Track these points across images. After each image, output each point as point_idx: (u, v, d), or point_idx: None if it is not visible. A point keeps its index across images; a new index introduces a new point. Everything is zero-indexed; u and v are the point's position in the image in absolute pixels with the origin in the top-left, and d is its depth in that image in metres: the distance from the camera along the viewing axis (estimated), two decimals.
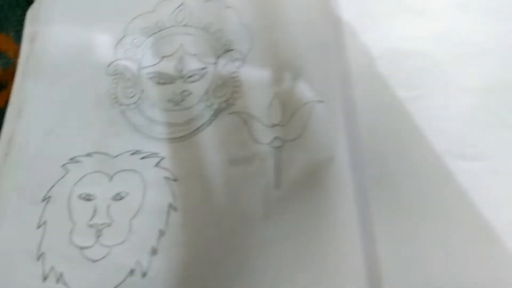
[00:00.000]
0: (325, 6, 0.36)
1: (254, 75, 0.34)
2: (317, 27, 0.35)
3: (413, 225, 0.30)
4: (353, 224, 0.28)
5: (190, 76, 0.35)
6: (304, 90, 0.32)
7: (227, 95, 0.33)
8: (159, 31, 0.37)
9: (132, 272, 0.28)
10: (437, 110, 0.34)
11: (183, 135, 0.33)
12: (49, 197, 0.31)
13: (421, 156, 0.33)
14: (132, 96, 0.34)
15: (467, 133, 0.34)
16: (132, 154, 0.32)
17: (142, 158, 0.32)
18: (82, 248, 0.29)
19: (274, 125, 0.32)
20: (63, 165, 0.32)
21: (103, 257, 0.29)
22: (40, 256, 0.29)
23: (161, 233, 0.29)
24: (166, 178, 0.31)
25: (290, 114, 0.32)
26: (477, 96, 0.35)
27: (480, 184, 0.32)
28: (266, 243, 0.28)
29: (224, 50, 0.35)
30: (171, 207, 0.30)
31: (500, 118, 0.34)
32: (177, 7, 0.37)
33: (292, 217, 0.28)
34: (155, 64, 0.36)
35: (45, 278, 0.28)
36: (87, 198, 0.31)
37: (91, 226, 0.30)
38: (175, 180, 0.31)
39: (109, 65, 0.36)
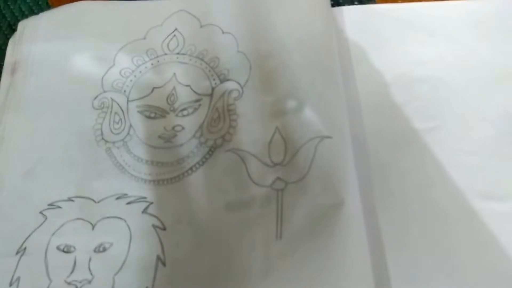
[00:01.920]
0: (329, 30, 0.33)
1: (253, 108, 0.30)
2: (321, 53, 0.32)
3: (434, 274, 0.27)
4: (368, 281, 0.24)
5: (183, 109, 0.31)
6: (309, 124, 0.29)
7: (223, 130, 0.30)
8: (149, 60, 0.34)
9: None
10: (456, 143, 0.31)
11: (174, 176, 0.29)
12: (25, 248, 0.28)
13: (441, 196, 0.29)
14: (120, 132, 0.31)
15: (491, 168, 0.30)
16: (118, 198, 0.29)
17: (128, 203, 0.29)
18: None
19: (276, 164, 0.28)
20: (41, 211, 0.29)
21: None
22: None
23: None
24: (154, 227, 0.28)
25: (293, 152, 0.28)
26: (499, 126, 0.32)
27: (507, 227, 0.28)
28: None
29: (220, 80, 0.32)
30: (160, 260, 0.26)
31: None
32: (170, 34, 0.34)
33: (296, 275, 0.25)
34: (145, 97, 0.32)
35: None
36: (67, 249, 0.27)
37: (69, 283, 0.26)
38: (164, 229, 0.27)
39: (95, 98, 0.33)
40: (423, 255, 0.27)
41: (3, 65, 0.35)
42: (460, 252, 0.28)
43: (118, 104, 0.32)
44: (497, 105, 0.32)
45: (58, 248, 0.27)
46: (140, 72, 0.33)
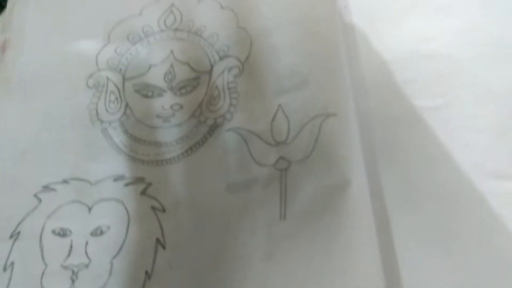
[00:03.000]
0: (332, 6, 0.32)
1: (255, 85, 0.29)
2: (324, 29, 0.31)
3: (443, 257, 0.26)
4: (375, 264, 0.23)
5: (181, 88, 0.30)
6: (313, 101, 0.27)
7: (223, 109, 0.29)
8: (146, 37, 0.32)
9: None
10: (466, 121, 0.30)
11: (173, 157, 0.28)
12: (18, 232, 0.27)
13: (449, 176, 0.28)
14: (116, 112, 0.30)
15: (502, 146, 0.29)
16: (115, 180, 0.28)
17: (126, 184, 0.27)
18: None
19: (279, 143, 0.27)
20: (35, 194, 0.28)
21: None
22: None
23: (147, 275, 0.25)
24: (154, 209, 0.26)
25: (296, 130, 0.27)
26: (510, 102, 0.30)
27: None
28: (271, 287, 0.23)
29: (220, 56, 0.31)
30: (159, 243, 0.25)
31: None
32: (166, 10, 0.33)
33: (301, 256, 0.23)
34: (141, 75, 0.31)
35: None
36: (62, 233, 0.26)
37: (65, 267, 0.25)
38: (163, 210, 0.26)
39: (89, 77, 0.31)
40: (431, 237, 0.26)
41: None
42: (469, 234, 0.27)
43: (114, 83, 0.31)
44: (507, 81, 0.31)
45: (53, 231, 0.26)
46: (136, 49, 0.32)
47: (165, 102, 0.30)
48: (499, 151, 0.29)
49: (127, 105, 0.30)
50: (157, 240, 0.26)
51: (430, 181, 0.28)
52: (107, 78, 0.31)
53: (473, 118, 0.30)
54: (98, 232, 0.26)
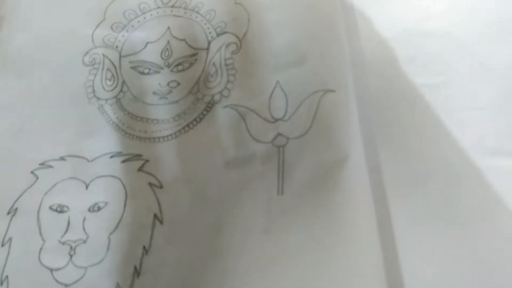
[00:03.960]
0: None
1: (252, 61, 0.29)
2: (323, 6, 0.30)
3: (442, 235, 0.26)
4: (373, 238, 0.23)
5: (178, 65, 0.30)
6: (311, 77, 0.27)
7: (221, 86, 0.29)
8: (142, 14, 0.32)
9: None
10: (465, 98, 0.30)
11: (170, 134, 0.28)
12: (16, 209, 0.27)
13: (447, 153, 0.28)
14: (112, 89, 0.30)
15: (501, 124, 0.29)
16: (112, 156, 0.28)
17: (123, 161, 0.27)
18: (53, 269, 0.25)
19: (277, 120, 0.27)
20: (32, 171, 0.28)
21: (77, 281, 0.24)
22: (3, 280, 0.25)
23: (145, 250, 0.25)
24: (151, 185, 0.26)
25: (294, 106, 0.27)
26: (509, 81, 0.30)
27: None
28: (269, 262, 0.23)
29: (217, 33, 0.30)
30: (157, 219, 0.25)
31: None
32: None
33: (299, 229, 0.24)
34: (138, 52, 0.31)
35: None
36: (60, 209, 0.26)
37: (63, 243, 0.25)
38: (161, 187, 0.26)
39: (85, 54, 0.31)
40: (429, 213, 0.26)
41: None
42: (468, 209, 0.27)
43: (110, 60, 0.31)
44: (506, 60, 0.31)
45: (50, 208, 0.26)
46: (133, 26, 0.32)
47: (162, 79, 0.30)
48: (498, 128, 0.29)
49: (123, 82, 0.30)
50: (155, 215, 0.26)
51: (428, 157, 0.28)
52: (103, 55, 0.31)
53: (472, 96, 0.30)
54: (95, 208, 0.26)
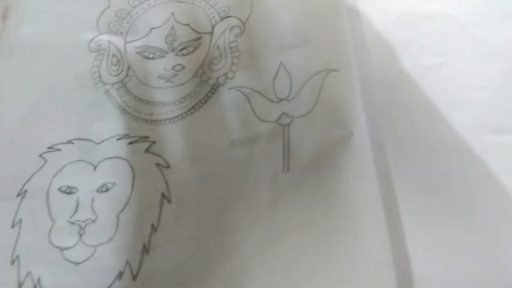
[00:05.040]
0: None
1: (256, 44, 0.29)
2: None
3: (443, 210, 0.26)
4: (377, 211, 0.24)
5: (182, 49, 0.30)
6: (315, 58, 0.27)
7: (225, 68, 0.29)
8: (146, 0, 0.32)
9: (120, 275, 0.24)
10: (466, 78, 0.30)
11: (176, 115, 0.28)
12: (25, 191, 0.27)
13: (450, 131, 0.28)
14: (118, 74, 0.30)
15: (502, 102, 0.29)
16: (119, 139, 0.28)
17: (130, 143, 0.28)
18: (62, 249, 0.25)
19: (281, 100, 0.27)
20: (41, 154, 0.28)
21: (87, 259, 0.25)
22: (14, 260, 0.25)
23: (154, 228, 0.25)
24: (158, 165, 0.27)
25: (298, 86, 0.27)
26: (510, 60, 0.31)
27: None
28: (276, 236, 0.24)
29: (221, 17, 0.31)
30: (165, 198, 0.26)
31: None
32: None
33: (304, 205, 0.24)
34: (142, 37, 0.31)
35: (20, 285, 0.24)
36: (68, 191, 0.27)
37: (72, 223, 0.26)
38: (168, 167, 0.27)
39: (91, 41, 0.32)
40: (433, 190, 0.27)
41: None
42: (470, 186, 0.27)
43: (116, 46, 0.31)
44: (506, 40, 0.31)
45: (59, 189, 0.27)
46: (137, 13, 0.32)
47: (167, 63, 0.30)
48: (499, 106, 0.29)
49: (129, 67, 0.30)
50: (163, 194, 0.26)
51: (430, 135, 0.28)
52: (109, 41, 0.31)
53: (473, 75, 0.30)
54: (103, 189, 0.26)
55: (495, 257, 0.25)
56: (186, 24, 0.31)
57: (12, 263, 0.25)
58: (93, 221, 0.26)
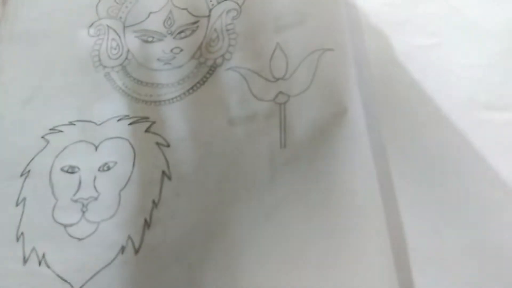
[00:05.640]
0: None
1: (252, 25, 0.30)
2: None
3: (438, 184, 0.27)
4: (372, 183, 0.24)
5: (180, 32, 0.31)
6: (310, 38, 0.28)
7: (222, 50, 0.30)
8: None
9: (123, 249, 0.25)
10: (458, 57, 0.31)
11: (175, 96, 0.29)
12: (29, 171, 0.28)
13: (442, 108, 0.29)
14: (117, 57, 0.31)
15: (494, 80, 0.30)
16: (119, 120, 0.29)
17: (131, 123, 0.28)
18: (66, 225, 0.26)
19: (277, 79, 0.28)
20: (43, 136, 0.29)
21: (90, 235, 0.25)
22: (19, 237, 0.26)
23: (155, 204, 0.26)
24: (158, 144, 0.27)
25: (294, 66, 0.28)
26: (501, 41, 0.31)
27: (510, 135, 0.28)
28: (273, 209, 0.24)
29: (218, 1, 0.31)
30: (165, 175, 0.26)
31: None
32: None
33: (301, 178, 0.25)
34: (141, 22, 0.32)
35: (25, 261, 0.25)
36: (71, 170, 0.27)
37: (75, 201, 0.26)
38: (168, 145, 0.27)
39: (90, 26, 0.32)
40: (426, 164, 0.27)
41: None
42: (463, 161, 0.28)
43: (115, 31, 0.32)
44: (500, 20, 0.32)
45: (62, 169, 0.27)
46: None
47: (165, 46, 0.31)
48: (491, 84, 0.30)
49: (128, 50, 0.31)
50: (163, 172, 0.26)
51: (424, 112, 0.29)
52: (108, 26, 0.32)
53: (466, 54, 0.31)
54: (105, 168, 0.27)
55: (491, 241, 0.25)
56: (183, 9, 0.31)
57: (17, 239, 0.26)
58: (96, 199, 0.26)
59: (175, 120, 0.28)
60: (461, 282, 0.24)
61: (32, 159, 0.28)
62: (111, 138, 0.28)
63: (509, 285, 0.23)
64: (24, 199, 0.27)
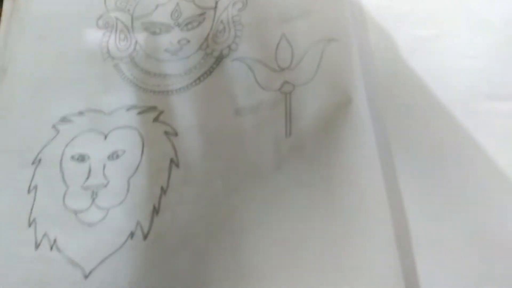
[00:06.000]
0: None
1: (258, 17, 0.30)
2: None
3: (440, 173, 0.27)
4: (376, 171, 0.25)
5: (187, 24, 0.31)
6: (315, 28, 0.29)
7: (229, 41, 0.30)
8: None
9: (132, 234, 0.25)
10: (461, 48, 0.31)
11: (182, 86, 0.30)
12: (40, 159, 0.28)
13: (446, 98, 0.29)
14: (126, 49, 0.31)
15: (496, 71, 0.30)
16: (128, 109, 0.29)
17: (139, 113, 0.29)
18: (76, 211, 0.26)
19: (283, 69, 0.28)
20: (53, 125, 0.29)
21: (100, 221, 0.26)
22: (31, 223, 0.26)
23: (163, 191, 0.26)
24: (166, 133, 0.28)
25: (300, 56, 0.28)
26: (503, 32, 0.32)
27: None
28: (278, 196, 0.25)
29: None
30: (173, 163, 0.27)
31: None
32: None
33: (306, 166, 0.25)
34: (149, 14, 0.32)
35: (37, 246, 0.26)
36: (81, 159, 0.28)
37: (85, 188, 0.27)
38: (176, 134, 0.28)
39: (99, 18, 0.33)
40: (429, 154, 0.28)
41: None
42: (464, 151, 0.28)
43: (123, 23, 0.32)
44: (502, 11, 0.32)
45: (72, 158, 0.28)
46: None
47: (172, 37, 0.31)
48: (493, 75, 0.30)
49: (136, 42, 0.32)
50: (171, 160, 0.27)
51: (427, 103, 0.29)
52: (116, 18, 0.32)
53: (468, 46, 0.31)
54: (114, 156, 0.28)
55: (491, 228, 0.26)
56: (190, 1, 0.32)
57: (29, 225, 0.26)
58: (105, 186, 0.27)
59: (183, 109, 0.29)
60: (462, 268, 0.24)
61: (43, 148, 0.29)
62: (120, 127, 0.29)
63: (509, 269, 0.24)
64: (35, 186, 0.27)
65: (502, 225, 0.26)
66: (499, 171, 0.27)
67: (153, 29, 0.32)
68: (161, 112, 0.29)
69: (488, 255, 0.24)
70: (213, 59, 0.30)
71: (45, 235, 0.26)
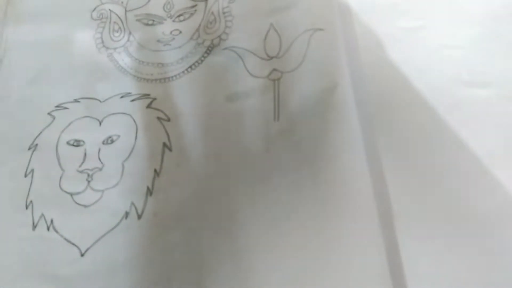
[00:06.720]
0: None
1: (248, 8, 0.31)
2: None
3: (421, 154, 0.29)
4: (359, 152, 0.26)
5: (179, 15, 0.32)
6: (302, 19, 0.30)
7: (219, 31, 0.31)
8: None
9: (126, 214, 0.26)
10: (443, 39, 0.33)
11: (175, 75, 0.31)
12: (36, 145, 0.29)
13: (428, 85, 0.31)
14: (120, 40, 0.32)
15: (477, 61, 0.32)
16: (122, 97, 0.30)
17: (133, 100, 0.30)
18: (72, 194, 0.27)
19: (271, 58, 0.30)
20: (49, 112, 0.30)
21: (95, 202, 0.27)
22: (28, 205, 0.27)
23: (156, 173, 0.27)
24: (159, 119, 0.29)
25: (287, 45, 0.29)
26: (484, 23, 0.33)
27: (491, 110, 0.30)
28: (267, 176, 0.26)
29: None
30: (166, 146, 0.28)
31: (507, 45, 0.32)
32: None
33: (293, 148, 0.26)
34: (142, 6, 0.33)
35: (35, 226, 0.27)
36: (76, 144, 0.29)
37: (81, 171, 0.28)
38: (168, 120, 0.29)
39: (93, 10, 0.34)
40: (411, 137, 0.29)
41: None
42: (445, 134, 0.29)
43: (117, 14, 0.33)
44: (482, 3, 0.34)
45: (68, 143, 0.29)
46: None
47: (165, 28, 0.32)
48: (473, 64, 0.32)
49: (130, 33, 0.33)
50: (164, 144, 0.28)
51: (410, 90, 0.30)
52: (110, 10, 0.34)
53: (450, 36, 0.33)
54: (109, 141, 0.29)
55: (468, 205, 0.27)
56: None
57: (27, 207, 0.27)
58: (100, 169, 0.28)
59: (175, 96, 0.30)
60: (441, 242, 0.25)
61: (39, 133, 0.29)
62: (114, 113, 0.30)
63: (482, 243, 0.25)
64: (32, 170, 0.28)
65: (476, 201, 0.27)
66: (475, 152, 0.29)
67: (146, 21, 0.33)
68: (154, 99, 0.30)
69: (464, 228, 0.25)
70: (204, 48, 0.31)
71: (41, 216, 0.27)
